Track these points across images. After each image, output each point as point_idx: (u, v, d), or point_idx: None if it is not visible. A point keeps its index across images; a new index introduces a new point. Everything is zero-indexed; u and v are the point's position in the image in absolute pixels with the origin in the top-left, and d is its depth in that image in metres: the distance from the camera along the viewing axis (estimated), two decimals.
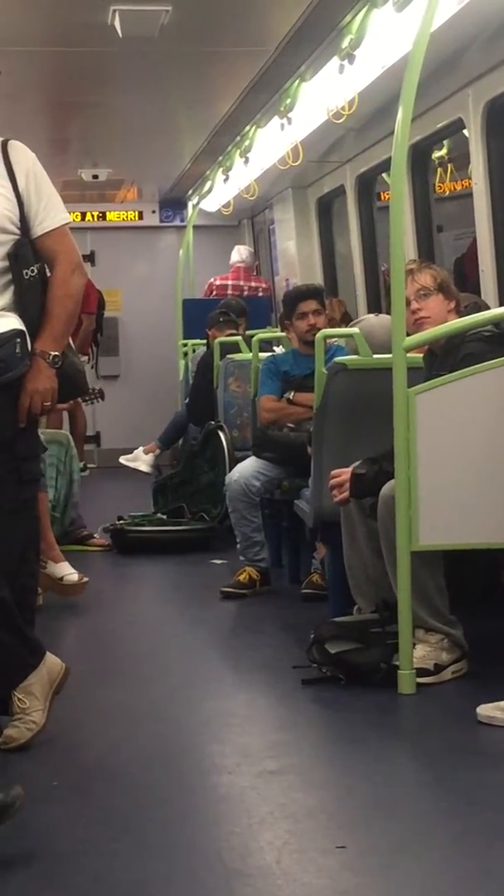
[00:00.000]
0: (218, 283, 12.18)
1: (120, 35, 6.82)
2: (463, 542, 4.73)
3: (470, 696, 4.64)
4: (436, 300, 5.13)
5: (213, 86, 8.64)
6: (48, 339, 4.22)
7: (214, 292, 12.02)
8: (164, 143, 10.94)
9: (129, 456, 10.80)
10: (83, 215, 14.13)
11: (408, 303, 5.02)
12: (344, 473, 5.06)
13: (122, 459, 10.78)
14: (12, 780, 3.89)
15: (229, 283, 12.14)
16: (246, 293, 11.87)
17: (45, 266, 4.27)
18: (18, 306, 4.19)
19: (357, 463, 5.07)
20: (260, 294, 12.19)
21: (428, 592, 4.81)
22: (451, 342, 4.96)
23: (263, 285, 12.38)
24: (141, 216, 14.66)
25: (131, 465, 10.74)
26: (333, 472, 5.13)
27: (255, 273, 12.69)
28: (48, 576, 6.39)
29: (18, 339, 4.14)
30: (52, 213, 4.27)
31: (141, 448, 10.76)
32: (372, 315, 6.86)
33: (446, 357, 4.97)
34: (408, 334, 4.80)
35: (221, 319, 9.39)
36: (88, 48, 7.44)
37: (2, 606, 4.07)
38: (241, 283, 12.14)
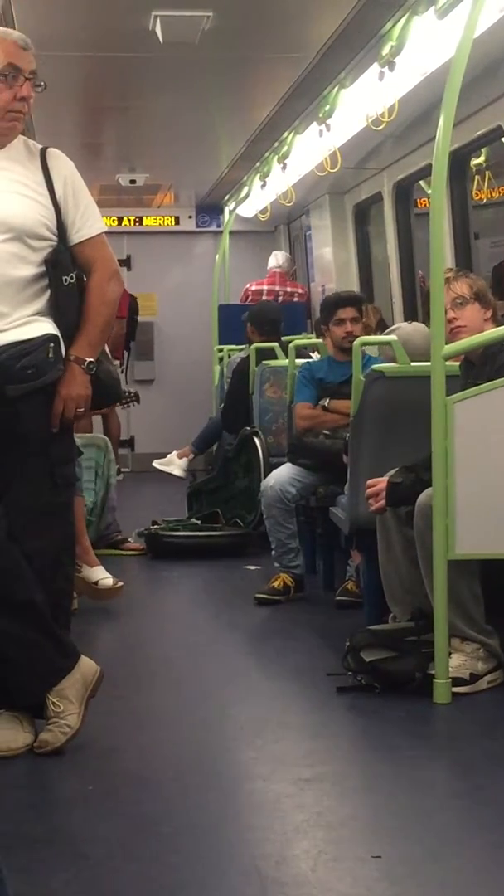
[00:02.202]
0: (253, 288, 12.18)
1: (161, 41, 6.83)
2: (500, 551, 4.71)
3: None
4: (472, 309, 5.11)
5: (252, 92, 8.64)
6: (83, 345, 4.24)
7: (250, 298, 12.01)
8: (201, 149, 10.95)
9: (163, 460, 10.79)
10: (120, 220, 14.15)
11: (444, 311, 5.00)
12: (380, 482, 5.05)
13: (156, 463, 10.77)
14: (46, 783, 3.92)
15: (265, 287, 12.13)
16: (281, 298, 11.87)
17: (83, 273, 4.29)
18: (54, 312, 4.20)
19: (393, 471, 5.06)
20: (295, 299, 12.18)
21: (464, 601, 4.80)
22: (489, 351, 4.94)
23: (300, 290, 12.36)
24: (177, 221, 14.68)
25: (165, 469, 10.73)
26: (369, 482, 5.11)
27: (291, 278, 12.68)
28: (83, 580, 6.40)
29: (51, 344, 4.15)
30: (89, 222, 4.28)
31: (175, 452, 10.75)
32: (406, 323, 6.85)
33: (483, 366, 4.95)
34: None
35: (267, 328, 9.25)
36: (129, 53, 7.45)
37: (36, 609, 4.08)
38: (277, 287, 12.13)
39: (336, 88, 7.87)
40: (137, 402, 9.53)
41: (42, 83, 4.26)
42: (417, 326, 6.34)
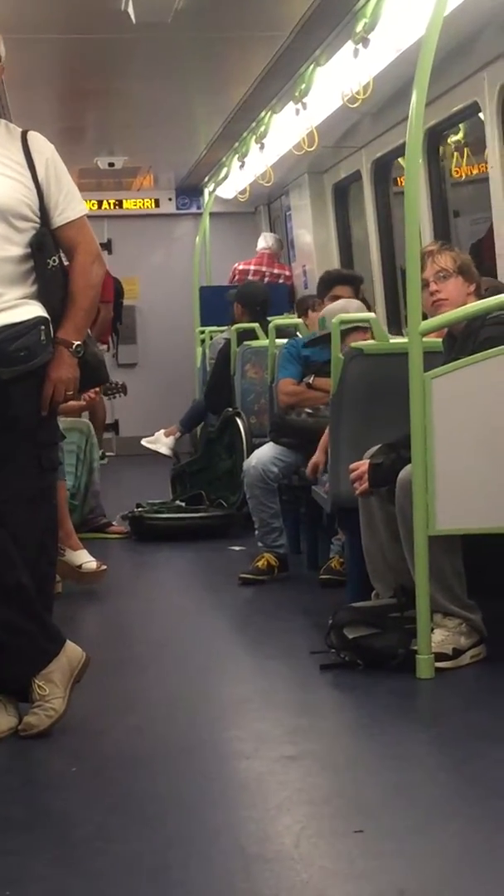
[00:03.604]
0: (241, 267, 12.19)
1: (134, 21, 6.80)
2: (480, 526, 4.72)
3: (488, 681, 4.67)
4: (455, 283, 5.09)
5: (227, 71, 8.62)
6: (70, 328, 4.24)
7: (237, 277, 12.01)
8: (179, 130, 10.92)
9: (151, 438, 10.83)
10: (100, 203, 14.12)
11: (427, 284, 5.01)
12: (362, 465, 5.04)
13: (144, 441, 10.82)
14: (31, 766, 3.93)
15: (251, 268, 12.13)
16: (267, 279, 11.86)
17: (65, 256, 4.29)
18: (41, 295, 4.20)
19: (373, 450, 5.06)
20: (281, 281, 12.17)
21: (446, 577, 4.81)
22: (471, 325, 4.93)
23: (286, 273, 12.37)
24: (157, 204, 14.66)
25: (152, 447, 10.77)
26: (351, 466, 5.10)
27: (278, 260, 12.66)
28: (67, 564, 6.40)
29: (43, 327, 4.16)
30: (72, 204, 4.29)
31: (162, 430, 10.79)
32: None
33: (466, 341, 4.93)
34: (426, 317, 4.78)
35: (258, 309, 9.24)
36: (102, 35, 7.42)
37: (22, 593, 4.09)
38: (264, 268, 12.13)
39: (311, 66, 7.85)
40: (124, 394, 9.48)
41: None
42: (350, 302, 6.51)
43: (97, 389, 8.06)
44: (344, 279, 7.14)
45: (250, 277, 11.81)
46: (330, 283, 7.06)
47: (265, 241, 12.39)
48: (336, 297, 6.83)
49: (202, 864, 3.10)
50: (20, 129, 4.31)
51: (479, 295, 5.20)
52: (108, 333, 12.60)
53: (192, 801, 3.56)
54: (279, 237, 12.85)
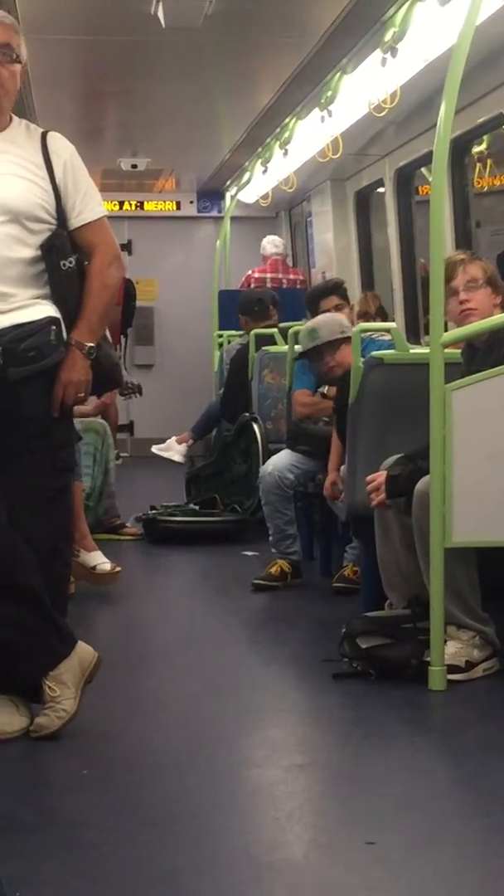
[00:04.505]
0: (256, 275, 12.15)
1: (163, 25, 6.81)
2: (496, 538, 4.71)
3: (501, 694, 4.66)
4: (484, 293, 5.07)
5: (254, 77, 8.63)
6: (84, 329, 4.23)
7: (253, 285, 11.98)
8: (203, 134, 10.93)
9: (162, 445, 10.80)
10: (121, 204, 14.14)
11: (456, 293, 5.00)
12: (379, 476, 5.03)
13: (155, 449, 10.79)
14: (42, 768, 3.93)
15: (268, 275, 12.11)
16: (285, 285, 11.85)
17: (83, 257, 4.28)
18: (55, 296, 4.20)
19: (390, 461, 5.05)
20: (298, 286, 12.16)
21: (460, 589, 4.80)
22: (495, 337, 4.90)
23: (301, 277, 12.35)
24: (179, 206, 14.67)
25: (164, 454, 10.74)
26: (368, 478, 5.08)
27: (290, 265, 12.65)
28: (81, 565, 6.41)
29: (53, 327, 4.15)
30: (90, 205, 4.27)
31: (174, 438, 10.77)
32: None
33: (489, 352, 4.90)
34: (451, 327, 4.77)
35: (256, 309, 9.31)
36: (130, 37, 7.44)
37: (33, 594, 4.08)
38: (280, 275, 12.11)
39: (338, 74, 7.86)
40: (140, 395, 9.45)
41: (15, 55, 4.21)
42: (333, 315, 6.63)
43: (111, 395, 8.10)
44: (326, 291, 7.18)
45: (269, 285, 11.79)
46: (315, 300, 7.12)
47: (274, 246, 12.33)
48: (326, 312, 6.89)
49: (211, 871, 3.10)
50: (41, 130, 4.30)
51: None
52: (117, 337, 12.59)
53: (202, 807, 3.55)
54: (283, 240, 12.81)
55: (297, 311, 10.48)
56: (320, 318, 6.68)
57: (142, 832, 3.35)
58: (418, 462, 4.85)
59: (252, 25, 7.23)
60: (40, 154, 4.22)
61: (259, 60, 8.14)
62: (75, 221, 4.25)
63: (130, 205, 14.44)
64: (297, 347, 7.43)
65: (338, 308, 6.91)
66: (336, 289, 7.16)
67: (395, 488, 4.96)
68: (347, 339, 6.10)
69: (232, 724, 4.42)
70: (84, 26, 7.22)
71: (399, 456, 5.05)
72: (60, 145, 4.26)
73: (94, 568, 6.55)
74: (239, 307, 9.46)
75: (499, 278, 5.16)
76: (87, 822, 3.47)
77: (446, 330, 4.81)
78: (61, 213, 4.22)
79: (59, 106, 9.17)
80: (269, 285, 11.72)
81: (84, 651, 4.24)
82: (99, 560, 6.58)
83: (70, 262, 4.22)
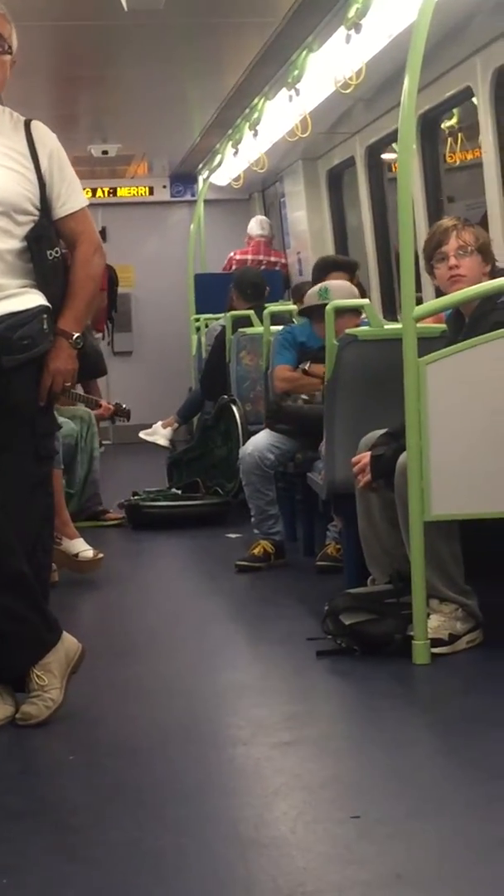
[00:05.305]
0: (238, 257, 12.14)
1: (125, 8, 6.78)
2: (476, 511, 4.72)
3: (484, 666, 4.67)
4: (474, 260, 5.03)
5: (220, 58, 8.61)
6: (70, 319, 4.23)
7: (234, 266, 11.96)
8: (173, 117, 10.91)
9: (148, 430, 10.84)
10: (94, 191, 14.09)
11: (446, 258, 4.99)
12: (363, 458, 5.02)
13: (142, 434, 10.82)
14: (28, 754, 3.93)
15: (249, 257, 12.10)
16: (264, 267, 11.84)
17: (66, 247, 4.28)
18: (41, 286, 4.19)
19: (369, 437, 5.05)
20: (277, 268, 12.15)
21: (443, 562, 4.81)
22: (482, 308, 4.88)
23: (283, 260, 12.35)
24: (152, 191, 14.66)
25: (150, 438, 10.78)
26: (353, 459, 5.07)
27: (273, 246, 12.64)
28: (63, 552, 6.40)
29: (45, 316, 4.15)
30: (73, 195, 4.27)
31: (159, 422, 10.79)
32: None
33: (477, 323, 4.87)
34: (419, 302, 4.76)
35: (249, 291, 9.24)
36: (94, 22, 7.41)
37: (22, 581, 4.08)
38: (262, 257, 12.11)
39: (304, 53, 7.85)
40: (127, 420, 9.30)
41: (5, 46, 4.23)
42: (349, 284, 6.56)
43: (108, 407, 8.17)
44: (339, 265, 7.15)
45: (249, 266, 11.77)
46: (325, 269, 7.06)
47: (261, 227, 12.33)
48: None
49: (199, 851, 3.10)
50: (24, 119, 4.29)
51: (494, 277, 5.15)
52: (102, 321, 12.58)
53: (189, 787, 3.56)
54: (270, 222, 12.80)
55: (273, 292, 10.50)
56: (334, 282, 6.63)
57: (129, 815, 3.36)
58: (401, 440, 4.84)
59: (215, 6, 7.21)
60: (25, 143, 4.21)
61: (224, 41, 8.12)
62: (60, 211, 4.24)
63: (103, 192, 14.41)
64: (274, 328, 7.44)
65: None
66: (349, 267, 7.16)
67: (379, 468, 4.95)
68: (356, 312, 6.07)
69: (218, 703, 4.43)
70: (48, 12, 7.18)
71: (382, 434, 5.04)
72: (45, 135, 4.26)
73: (76, 555, 6.55)
74: (234, 281, 9.42)
75: (490, 248, 5.12)
76: (75, 806, 3.49)
77: (420, 304, 4.81)
78: (45, 203, 4.21)
79: (26, 93, 9.07)
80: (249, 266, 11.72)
81: (69, 641, 4.26)
82: (81, 547, 6.58)
83: (56, 253, 4.23)
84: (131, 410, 8.89)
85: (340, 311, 5.83)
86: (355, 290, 6.59)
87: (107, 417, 8.94)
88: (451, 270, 5.01)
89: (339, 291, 6.32)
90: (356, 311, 6.08)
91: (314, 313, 6.39)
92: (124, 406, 8.77)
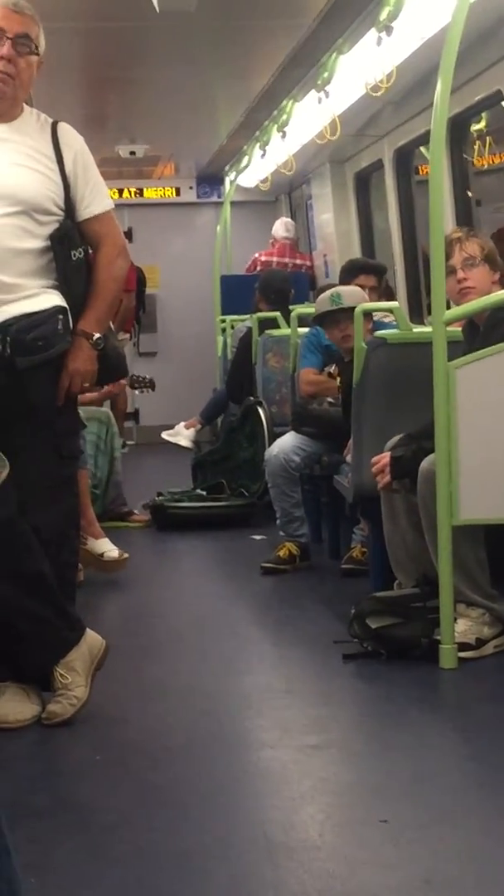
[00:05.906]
0: (263, 259, 12.11)
1: (157, 10, 6.78)
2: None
3: None
4: (481, 270, 5.06)
5: (250, 60, 8.59)
6: (91, 320, 4.24)
7: (259, 268, 11.94)
8: (201, 119, 10.91)
9: (171, 431, 10.83)
10: (120, 192, 14.10)
11: (453, 271, 4.99)
12: (383, 458, 5.02)
13: (164, 434, 10.82)
14: (54, 754, 3.94)
15: (274, 259, 12.07)
16: (290, 269, 11.81)
17: (90, 249, 4.28)
18: (63, 287, 4.20)
19: (393, 440, 5.05)
20: (303, 270, 12.13)
21: (469, 567, 4.80)
22: (496, 315, 4.89)
23: (308, 263, 12.33)
24: (178, 192, 14.65)
25: (172, 439, 10.77)
26: (373, 460, 5.08)
27: (298, 249, 12.62)
28: (88, 552, 6.41)
29: (61, 316, 4.15)
30: (98, 198, 4.29)
31: (182, 423, 10.79)
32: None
33: (491, 331, 4.89)
34: (449, 305, 4.76)
35: (273, 297, 9.22)
36: (125, 23, 7.41)
37: (42, 581, 4.09)
38: (287, 259, 12.08)
39: (334, 55, 7.82)
40: (152, 390, 9.31)
41: (32, 47, 4.22)
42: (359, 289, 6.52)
43: (120, 383, 8.08)
44: (368, 268, 7.13)
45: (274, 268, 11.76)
46: (353, 272, 7.04)
47: (286, 230, 12.30)
48: (360, 287, 6.80)
49: (225, 853, 3.10)
50: (51, 120, 4.30)
51: (503, 286, 5.17)
52: (130, 322, 12.60)
53: (216, 789, 3.56)
54: (294, 223, 12.78)
55: (299, 294, 10.49)
56: (344, 287, 6.62)
57: (155, 816, 3.36)
58: (421, 441, 4.84)
59: (246, 8, 7.19)
60: (51, 145, 4.23)
61: (254, 43, 8.11)
62: (84, 213, 4.26)
63: (130, 192, 14.42)
64: (301, 330, 7.43)
65: (372, 290, 6.84)
66: (377, 270, 7.13)
67: (399, 469, 4.95)
68: (367, 315, 6.06)
69: (243, 706, 4.42)
70: (78, 13, 7.19)
71: (402, 436, 5.04)
72: (71, 136, 4.27)
73: (101, 555, 6.56)
74: (259, 284, 9.41)
75: (496, 255, 5.14)
76: (100, 806, 3.49)
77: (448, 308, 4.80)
78: (69, 204, 4.23)
79: (55, 94, 9.11)
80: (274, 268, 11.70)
81: (93, 638, 4.26)
82: (107, 547, 6.59)
83: (79, 253, 4.24)
84: (154, 380, 8.88)
85: (349, 315, 5.84)
86: (366, 295, 6.56)
87: (134, 387, 8.95)
88: (461, 283, 5.01)
89: (352, 297, 6.30)
90: (369, 315, 6.05)
91: (327, 320, 6.38)
92: (145, 377, 8.74)
